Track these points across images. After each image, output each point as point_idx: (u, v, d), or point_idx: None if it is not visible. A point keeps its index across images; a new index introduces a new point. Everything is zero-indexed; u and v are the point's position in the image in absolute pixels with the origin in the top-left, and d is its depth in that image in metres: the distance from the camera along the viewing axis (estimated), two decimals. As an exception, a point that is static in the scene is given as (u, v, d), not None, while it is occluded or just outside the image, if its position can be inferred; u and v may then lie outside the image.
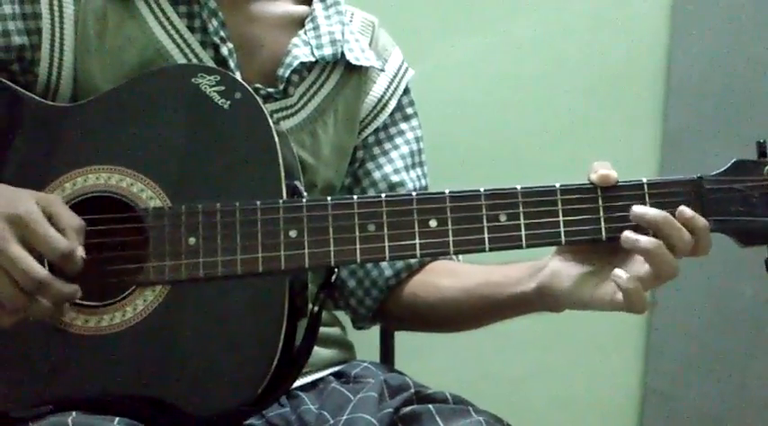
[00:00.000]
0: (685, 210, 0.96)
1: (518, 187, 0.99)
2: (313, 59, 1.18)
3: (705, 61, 1.72)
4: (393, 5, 1.52)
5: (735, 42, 1.72)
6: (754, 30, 1.72)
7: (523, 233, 0.98)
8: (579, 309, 1.01)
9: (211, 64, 1.12)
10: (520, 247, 0.98)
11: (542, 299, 1.03)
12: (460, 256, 1.21)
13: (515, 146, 1.71)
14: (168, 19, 1.13)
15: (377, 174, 1.24)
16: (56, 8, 1.10)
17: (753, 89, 1.71)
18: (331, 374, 1.18)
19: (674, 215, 0.96)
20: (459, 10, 1.69)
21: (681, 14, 1.72)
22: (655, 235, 0.95)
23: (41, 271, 0.90)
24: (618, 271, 0.95)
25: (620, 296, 0.95)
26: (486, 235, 0.98)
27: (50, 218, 0.93)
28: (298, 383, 1.11)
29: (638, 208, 0.97)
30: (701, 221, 0.96)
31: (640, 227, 0.96)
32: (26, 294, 0.90)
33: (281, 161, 1.00)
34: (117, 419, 0.92)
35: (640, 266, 0.96)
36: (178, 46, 1.13)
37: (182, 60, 1.12)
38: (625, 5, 1.72)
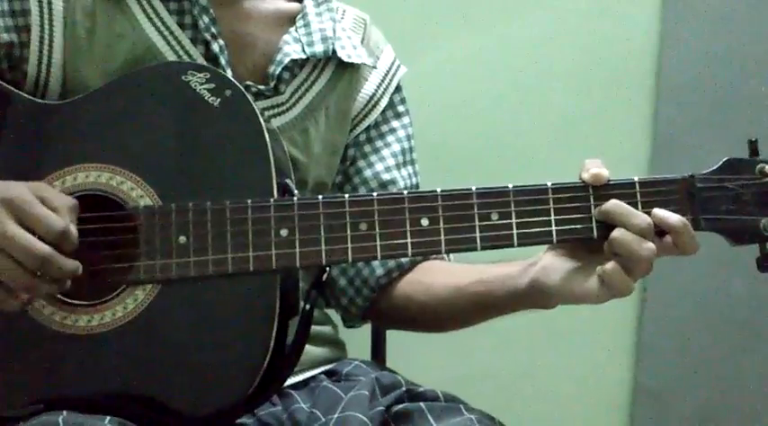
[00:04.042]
0: (658, 211, 0.97)
1: (510, 186, 0.99)
2: (304, 56, 1.17)
3: (696, 61, 1.73)
4: (386, 2, 1.52)
5: (725, 42, 1.73)
6: (744, 29, 1.73)
7: (515, 231, 0.98)
8: (570, 303, 1.01)
9: (202, 61, 1.12)
10: (511, 246, 0.98)
11: (534, 295, 1.03)
12: (452, 256, 1.21)
13: (507, 144, 1.71)
14: (158, 15, 1.13)
15: (368, 172, 1.23)
16: (45, 5, 1.09)
17: (743, 88, 1.72)
18: (322, 372, 1.17)
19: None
20: (451, 9, 1.69)
21: (671, 15, 1.73)
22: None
23: (43, 247, 0.90)
24: (600, 267, 0.96)
25: (605, 286, 0.96)
26: (477, 234, 0.98)
27: (42, 201, 0.93)
28: (289, 381, 1.10)
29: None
30: (675, 218, 0.97)
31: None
32: (30, 272, 0.90)
33: (271, 159, 1.00)
34: (108, 418, 0.91)
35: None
36: (168, 43, 1.12)
37: (172, 57, 1.11)
38: (616, 6, 1.72)
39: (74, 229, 0.93)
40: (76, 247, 0.93)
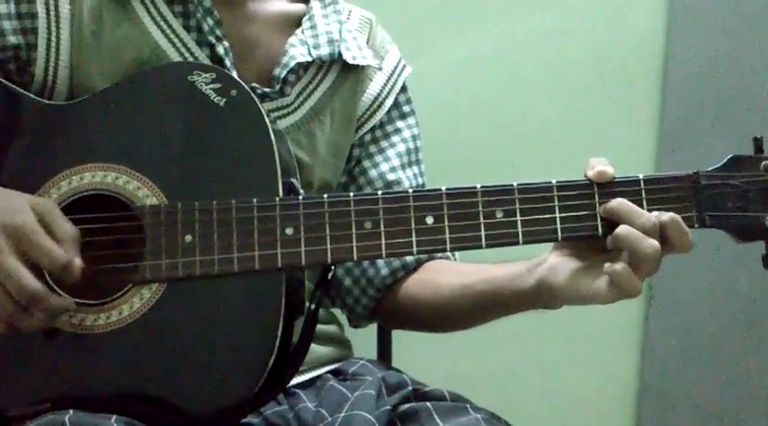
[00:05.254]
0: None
1: (514, 183, 0.99)
2: (310, 59, 1.17)
3: (701, 59, 1.73)
4: (392, 3, 1.52)
5: (731, 40, 1.73)
6: (750, 27, 1.73)
7: (520, 229, 0.98)
8: (577, 304, 1.01)
9: (208, 63, 1.12)
10: (516, 244, 0.98)
11: (541, 295, 1.03)
12: (457, 255, 1.21)
13: (511, 143, 1.71)
14: (164, 18, 1.13)
15: (373, 172, 1.23)
16: (51, 8, 1.10)
17: (749, 86, 1.72)
18: (328, 372, 1.17)
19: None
20: (457, 8, 1.69)
21: (678, 12, 1.73)
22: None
23: (35, 285, 0.90)
24: (608, 264, 0.96)
25: (613, 287, 0.96)
26: (482, 232, 0.98)
27: (46, 228, 0.93)
28: (295, 381, 1.11)
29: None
30: (667, 215, 0.96)
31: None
32: (18, 304, 0.91)
33: (277, 158, 1.00)
34: (114, 417, 0.91)
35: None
36: (174, 45, 1.12)
37: (177, 59, 1.11)
38: (622, 4, 1.72)
39: (78, 262, 0.93)
40: (78, 279, 0.93)
